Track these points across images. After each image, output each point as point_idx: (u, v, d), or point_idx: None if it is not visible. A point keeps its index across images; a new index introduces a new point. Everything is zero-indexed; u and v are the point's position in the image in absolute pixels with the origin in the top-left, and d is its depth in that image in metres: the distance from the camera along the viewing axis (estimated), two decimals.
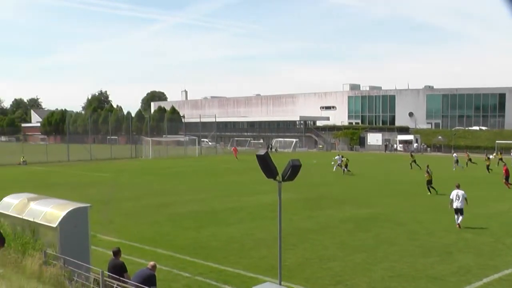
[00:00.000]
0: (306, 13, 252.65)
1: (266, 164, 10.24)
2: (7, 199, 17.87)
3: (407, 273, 15.90)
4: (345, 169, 48.80)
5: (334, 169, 52.35)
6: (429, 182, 34.51)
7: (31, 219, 15.46)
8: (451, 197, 23.82)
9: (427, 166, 35.96)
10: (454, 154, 58.50)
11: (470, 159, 56.89)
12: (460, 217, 23.28)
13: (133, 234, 21.52)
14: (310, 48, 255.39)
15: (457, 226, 23.19)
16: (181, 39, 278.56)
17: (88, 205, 15.22)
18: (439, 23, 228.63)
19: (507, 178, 37.99)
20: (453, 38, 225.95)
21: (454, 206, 23.46)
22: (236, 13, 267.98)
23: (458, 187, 24.20)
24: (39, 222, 15.14)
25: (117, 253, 12.92)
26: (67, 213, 14.65)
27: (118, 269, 12.51)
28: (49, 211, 15.25)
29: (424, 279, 15.32)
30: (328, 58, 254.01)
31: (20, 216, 16.05)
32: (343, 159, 51.26)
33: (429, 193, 34.07)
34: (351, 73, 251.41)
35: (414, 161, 53.99)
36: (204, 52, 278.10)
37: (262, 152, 10.29)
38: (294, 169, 10.28)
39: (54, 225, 14.56)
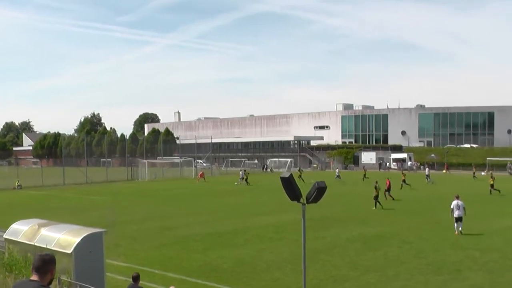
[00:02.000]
0: (299, 34, 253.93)
1: (290, 186, 10.24)
2: (15, 226, 17.73)
3: None
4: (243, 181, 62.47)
5: (236, 184, 62.11)
6: (376, 198, 36.22)
7: (44, 246, 15.36)
8: (452, 206, 26.52)
9: (376, 182, 37.59)
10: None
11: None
12: (460, 225, 25.97)
13: (141, 258, 21.39)
14: (304, 69, 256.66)
15: (458, 233, 25.79)
16: (173, 61, 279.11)
17: (103, 230, 15.19)
18: (429, 44, 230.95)
19: (388, 190, 41.48)
20: (443, 58, 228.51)
21: (456, 215, 26.09)
22: (228, 35, 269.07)
23: (457, 198, 26.92)
24: (52, 248, 15.05)
25: (136, 278, 12.84)
26: (81, 239, 14.61)
27: None
28: (63, 237, 15.18)
29: None
30: (321, 78, 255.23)
31: (31, 243, 15.95)
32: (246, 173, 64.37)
33: (374, 208, 35.64)
34: (344, 93, 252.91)
35: (404, 180, 55.47)
36: (197, 73, 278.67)
37: (286, 174, 10.30)
38: (319, 191, 10.29)
39: (69, 251, 14.50)
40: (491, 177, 49.22)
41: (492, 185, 47.30)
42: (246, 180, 62.47)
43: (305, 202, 10.58)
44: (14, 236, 17.10)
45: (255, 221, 31.03)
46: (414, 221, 30.22)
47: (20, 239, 16.62)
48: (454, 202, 26.50)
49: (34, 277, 5.51)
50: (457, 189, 39.42)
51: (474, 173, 69.27)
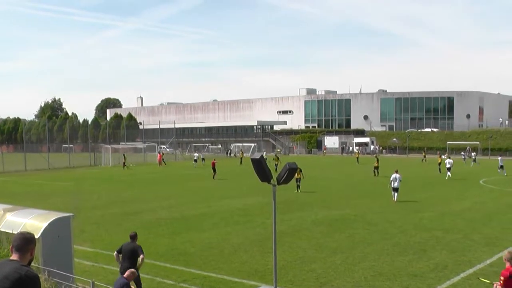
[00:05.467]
0: (263, 19, 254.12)
1: (261, 167, 10.28)
2: None
3: (388, 271, 16.21)
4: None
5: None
6: (298, 180, 36.91)
7: (10, 231, 15.10)
8: (391, 179, 31.16)
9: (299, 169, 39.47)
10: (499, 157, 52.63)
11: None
12: (396, 194, 30.88)
13: (107, 243, 21.22)
14: (267, 54, 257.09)
15: (394, 201, 30.60)
16: (136, 45, 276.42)
17: (71, 214, 15.00)
18: (390, 30, 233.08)
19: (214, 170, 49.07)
20: (404, 44, 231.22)
21: (394, 186, 30.82)
22: (191, 19, 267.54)
23: (397, 172, 31.42)
24: None
25: (134, 237, 13.17)
26: (49, 224, 14.37)
27: (135, 251, 12.79)
28: (29, 222, 14.92)
29: (405, 276, 15.64)
30: (284, 63, 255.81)
31: None
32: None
33: (296, 191, 36.41)
34: (307, 78, 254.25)
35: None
36: (159, 58, 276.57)
37: (257, 155, 10.33)
38: (290, 172, 10.35)
39: (36, 237, 14.31)
40: (440, 156, 53.44)
41: (439, 164, 51.92)
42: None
43: (275, 183, 10.63)
44: None
45: (221, 205, 31.08)
46: (378, 204, 30.67)
47: None
48: (393, 176, 30.98)
49: (14, 257, 5.30)
50: (417, 173, 39.88)
51: (424, 156, 74.12)
